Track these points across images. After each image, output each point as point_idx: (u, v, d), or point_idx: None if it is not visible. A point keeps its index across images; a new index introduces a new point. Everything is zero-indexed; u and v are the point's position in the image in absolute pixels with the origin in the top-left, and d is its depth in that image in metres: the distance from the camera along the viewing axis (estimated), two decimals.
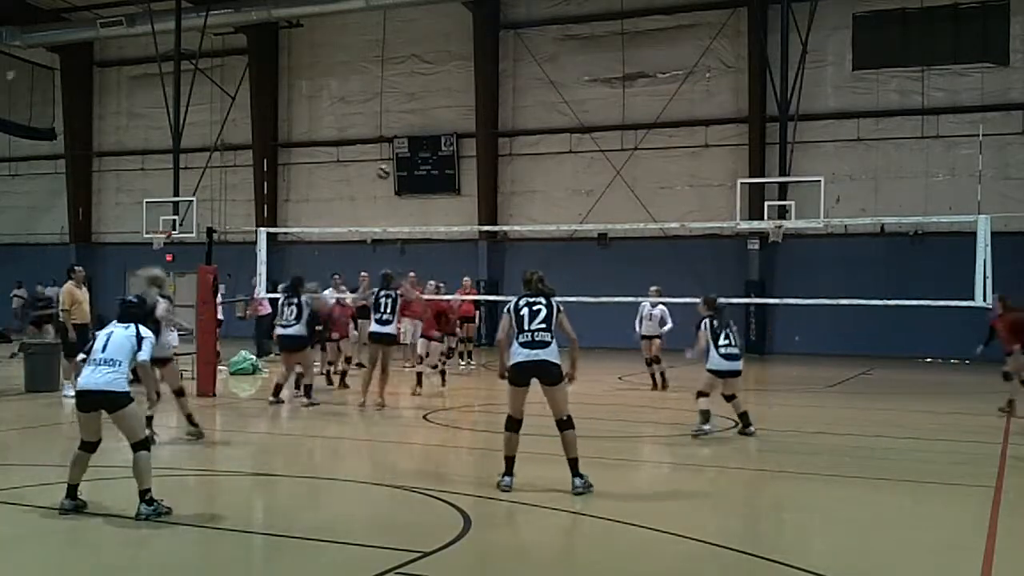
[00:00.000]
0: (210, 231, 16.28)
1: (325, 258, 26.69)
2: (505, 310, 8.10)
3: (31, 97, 32.53)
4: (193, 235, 24.47)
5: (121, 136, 34.04)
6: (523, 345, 7.77)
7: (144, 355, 7.12)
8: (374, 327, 13.62)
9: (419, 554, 5.92)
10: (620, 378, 18.16)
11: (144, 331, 7.20)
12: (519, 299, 8.05)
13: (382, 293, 13.63)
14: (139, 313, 7.37)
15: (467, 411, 14.23)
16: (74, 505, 6.94)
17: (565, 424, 7.75)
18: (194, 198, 26.13)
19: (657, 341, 16.03)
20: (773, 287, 25.26)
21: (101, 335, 7.21)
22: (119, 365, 6.95)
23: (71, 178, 34.04)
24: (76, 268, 14.83)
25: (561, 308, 8.00)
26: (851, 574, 5.93)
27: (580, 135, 27.94)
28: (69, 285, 14.30)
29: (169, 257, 27.60)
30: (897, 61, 25.17)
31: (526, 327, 7.78)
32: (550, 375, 7.73)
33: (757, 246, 25.51)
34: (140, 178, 33.18)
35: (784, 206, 20.07)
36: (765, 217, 20.11)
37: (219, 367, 15.66)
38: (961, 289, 12.92)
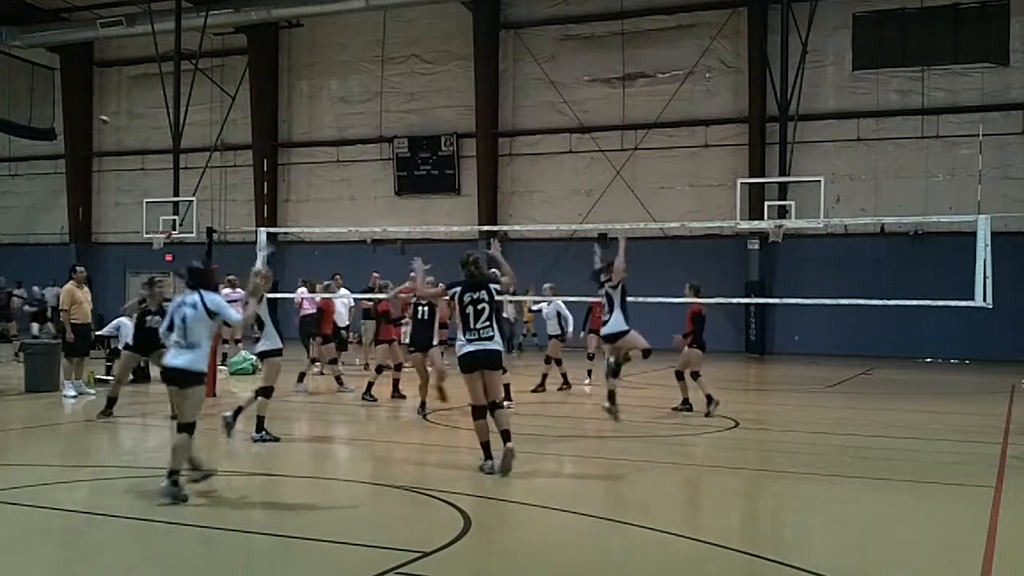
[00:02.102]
0: (210, 231, 16.31)
1: (325, 258, 26.69)
2: (450, 295, 8.73)
3: (31, 97, 32.55)
4: (193, 235, 24.49)
5: (121, 136, 34.05)
6: (470, 341, 8.55)
7: (233, 316, 7.71)
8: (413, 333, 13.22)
9: (419, 554, 5.91)
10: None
11: (208, 298, 7.48)
12: (463, 292, 8.58)
13: (418, 303, 13.21)
14: (202, 277, 7.67)
15: (467, 411, 14.10)
16: (189, 481, 7.48)
17: (499, 405, 8.69)
18: (194, 198, 26.15)
19: (558, 341, 15.81)
20: (773, 287, 25.26)
21: (176, 314, 7.45)
22: (198, 348, 7.39)
23: (71, 178, 34.07)
24: (77, 268, 14.90)
25: (498, 290, 8.74)
26: (851, 574, 5.93)
27: (580, 135, 27.96)
28: (69, 285, 14.36)
29: (169, 257, 27.63)
30: (897, 61, 25.18)
31: (472, 325, 8.55)
32: (494, 362, 8.64)
33: (757, 246, 25.51)
34: (140, 178, 33.21)
35: (784, 206, 20.10)
36: (765, 217, 20.13)
37: (219, 367, 15.66)
38: (961, 289, 12.91)
